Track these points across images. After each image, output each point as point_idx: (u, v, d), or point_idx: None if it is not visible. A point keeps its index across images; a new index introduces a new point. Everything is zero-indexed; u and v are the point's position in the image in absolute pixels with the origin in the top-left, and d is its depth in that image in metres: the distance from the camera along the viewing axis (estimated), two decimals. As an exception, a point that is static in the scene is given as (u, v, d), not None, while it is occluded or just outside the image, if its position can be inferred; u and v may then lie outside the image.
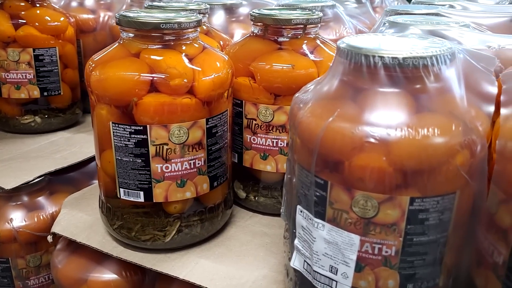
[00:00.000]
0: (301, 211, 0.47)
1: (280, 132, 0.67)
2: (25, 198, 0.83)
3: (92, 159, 0.93)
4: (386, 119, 0.40)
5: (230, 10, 0.94)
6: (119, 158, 0.58)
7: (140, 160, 0.58)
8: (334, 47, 0.70)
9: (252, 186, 0.72)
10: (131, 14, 0.58)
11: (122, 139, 0.57)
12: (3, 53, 0.96)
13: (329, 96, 0.45)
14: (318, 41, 0.69)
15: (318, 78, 0.50)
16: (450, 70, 0.42)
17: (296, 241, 0.49)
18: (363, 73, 0.42)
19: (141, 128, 0.56)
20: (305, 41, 0.68)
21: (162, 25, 0.56)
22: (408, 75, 0.41)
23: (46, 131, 1.03)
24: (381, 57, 0.41)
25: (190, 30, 0.59)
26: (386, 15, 0.80)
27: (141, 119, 0.56)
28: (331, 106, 0.44)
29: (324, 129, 0.42)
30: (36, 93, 0.99)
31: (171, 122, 0.56)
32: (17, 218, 0.80)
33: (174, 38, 0.58)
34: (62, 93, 1.03)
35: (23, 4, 0.98)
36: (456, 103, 0.42)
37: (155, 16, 0.58)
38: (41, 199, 0.85)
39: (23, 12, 0.97)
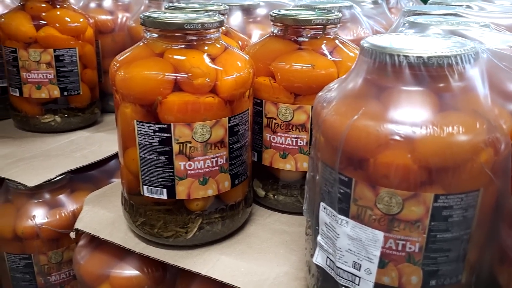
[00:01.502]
0: (324, 208, 0.48)
1: (299, 131, 0.68)
2: (47, 196, 0.84)
3: (111, 157, 0.94)
4: (411, 117, 0.41)
5: (247, 11, 0.95)
6: (143, 156, 0.60)
7: (164, 158, 0.59)
8: (352, 48, 0.70)
9: (271, 185, 0.73)
10: (155, 15, 0.59)
11: (146, 137, 0.58)
12: (24, 54, 0.98)
13: (353, 95, 0.46)
14: (337, 41, 0.69)
15: (342, 77, 0.51)
16: (474, 69, 0.43)
17: (319, 238, 0.50)
18: (387, 72, 0.43)
19: (165, 126, 0.57)
20: (325, 41, 0.68)
21: (186, 26, 0.57)
22: (432, 74, 0.42)
23: (66, 130, 1.05)
24: (406, 56, 0.41)
25: (212, 30, 0.60)
26: (404, 15, 0.81)
27: (165, 118, 0.57)
28: (356, 105, 0.44)
29: (349, 127, 0.43)
30: (56, 92, 1.01)
31: (194, 120, 0.57)
32: (40, 215, 0.82)
33: (197, 38, 0.59)
34: (81, 93, 1.04)
35: (44, 5, 1.00)
36: (480, 102, 0.42)
37: (179, 17, 0.59)
38: (62, 196, 0.86)
39: (44, 13, 0.99)
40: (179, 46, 0.59)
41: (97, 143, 1.00)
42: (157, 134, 0.58)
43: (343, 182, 0.45)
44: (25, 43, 0.98)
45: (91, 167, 0.91)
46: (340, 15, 0.69)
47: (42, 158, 0.91)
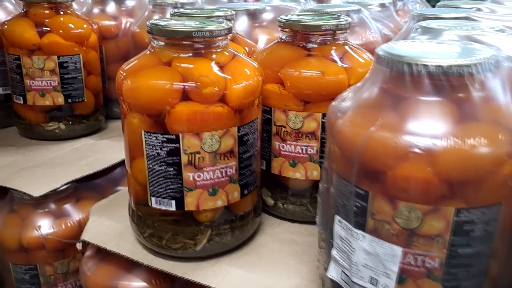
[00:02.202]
0: (339, 222, 0.47)
1: (309, 139, 0.66)
2: (52, 205, 0.83)
3: (116, 165, 0.93)
4: (431, 128, 0.40)
5: (253, 15, 0.93)
6: (151, 166, 0.58)
7: (172, 169, 0.57)
8: (362, 53, 0.69)
9: (280, 193, 0.72)
10: (162, 23, 0.58)
11: (154, 147, 0.57)
12: (28, 61, 0.97)
13: (369, 105, 0.45)
14: (347, 47, 0.68)
15: (356, 86, 0.50)
16: (495, 78, 0.41)
17: (333, 251, 0.49)
18: (405, 81, 0.41)
19: (174, 136, 0.56)
20: (334, 47, 0.67)
21: (194, 33, 0.56)
22: (452, 83, 0.40)
23: (70, 138, 1.04)
24: (425, 65, 0.40)
25: (221, 38, 0.58)
26: (413, 19, 0.79)
27: (174, 128, 0.56)
28: (372, 115, 0.43)
29: (366, 139, 0.41)
30: (60, 100, 1.00)
31: (203, 130, 0.56)
32: (45, 225, 0.81)
33: (205, 46, 0.58)
34: (85, 100, 1.03)
35: (47, 12, 0.99)
36: (502, 112, 0.41)
37: (186, 24, 0.58)
38: (67, 206, 0.85)
39: (47, 20, 0.98)
40: (187, 55, 0.58)
41: (102, 150, 0.99)
42: (165, 144, 0.56)
43: (359, 196, 0.43)
44: (29, 50, 0.96)
45: (96, 175, 0.90)
46: (350, 20, 0.68)
47: (46, 167, 0.90)
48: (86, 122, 1.05)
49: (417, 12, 0.79)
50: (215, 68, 0.57)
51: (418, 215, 0.40)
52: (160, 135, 0.56)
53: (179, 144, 0.56)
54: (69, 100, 1.01)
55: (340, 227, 0.47)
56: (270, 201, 0.73)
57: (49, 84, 0.98)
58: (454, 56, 0.41)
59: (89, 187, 0.90)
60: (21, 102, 1.00)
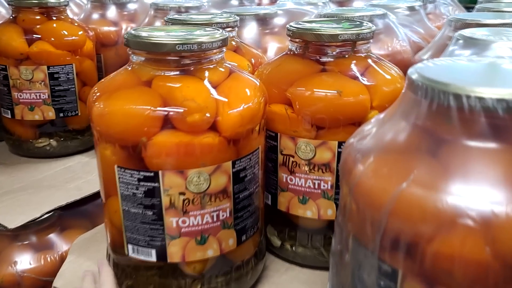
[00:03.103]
0: (357, 300, 0.35)
1: (323, 172, 0.55)
2: (33, 237, 0.74)
3: (108, 189, 0.83)
4: (489, 189, 0.28)
5: (263, 21, 0.82)
6: (126, 208, 0.48)
7: (151, 213, 0.47)
8: (389, 67, 0.57)
9: (288, 233, 0.61)
10: (142, 33, 0.47)
11: (129, 186, 0.47)
12: (15, 72, 0.88)
13: (398, 148, 0.33)
14: (369, 60, 0.56)
15: (380, 117, 0.38)
16: None
17: (349, 336, 0.37)
18: (450, 118, 0.30)
19: (152, 174, 0.45)
20: (354, 61, 0.55)
21: (179, 47, 0.45)
22: (519, 124, 0.28)
23: (63, 155, 0.95)
24: (480, 98, 0.28)
25: (214, 51, 0.48)
26: (450, 25, 0.67)
27: (152, 163, 0.45)
28: (404, 164, 0.31)
29: (395, 198, 0.30)
30: (51, 114, 0.91)
31: (188, 167, 0.45)
32: (22, 261, 0.71)
33: (194, 61, 0.47)
34: (79, 114, 0.94)
35: (38, 17, 0.90)
36: None
37: (172, 35, 0.47)
38: (51, 236, 0.76)
39: (38, 26, 0.89)
40: (173, 73, 0.47)
41: (95, 170, 0.88)
42: (142, 183, 0.46)
43: (385, 273, 0.32)
44: (16, 59, 0.87)
45: (85, 200, 0.80)
46: (374, 27, 0.56)
47: (31, 191, 0.81)
48: (80, 138, 0.96)
49: (453, 17, 0.67)
50: (205, 90, 0.46)
51: (469, 310, 0.28)
52: (136, 172, 0.46)
53: (159, 183, 0.45)
54: (61, 114, 0.92)
55: (358, 307, 0.35)
56: (277, 242, 0.61)
57: (38, 97, 0.89)
58: (521, 85, 0.29)
59: (77, 214, 0.80)
60: (9, 116, 0.91)
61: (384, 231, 0.31)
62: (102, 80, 0.52)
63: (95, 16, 1.08)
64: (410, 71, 0.34)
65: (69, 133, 0.95)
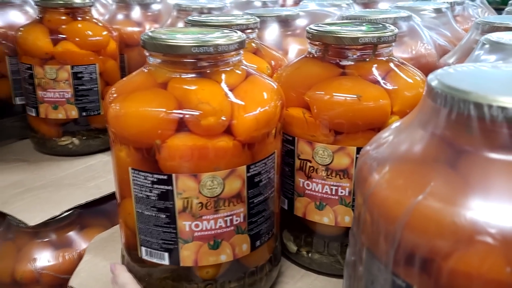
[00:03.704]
0: (370, 314, 0.34)
1: (341, 178, 0.53)
2: (53, 234, 0.75)
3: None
4: (511, 203, 0.26)
5: (285, 22, 0.81)
6: (140, 211, 0.48)
7: (164, 216, 0.46)
8: (412, 72, 0.55)
9: (305, 239, 0.59)
10: (158, 35, 0.47)
11: (143, 189, 0.46)
12: (40, 71, 0.89)
13: (415, 158, 0.32)
14: (391, 64, 0.55)
15: (397, 125, 0.37)
16: None
17: None
18: (471, 128, 0.28)
19: (166, 177, 0.45)
20: (375, 65, 0.54)
21: (194, 49, 0.44)
22: (546, 136, 0.27)
23: (85, 154, 0.96)
24: (503, 108, 0.27)
25: (230, 54, 0.47)
26: (477, 28, 0.64)
27: (166, 166, 0.45)
28: (420, 175, 0.30)
29: (411, 211, 0.28)
30: (74, 113, 0.92)
31: (202, 170, 0.45)
32: (41, 258, 0.72)
33: (210, 64, 0.47)
34: (102, 113, 0.95)
35: (63, 17, 0.91)
36: None
37: (189, 37, 0.47)
38: (70, 234, 0.77)
39: (63, 26, 0.91)
40: (189, 75, 0.47)
41: (116, 170, 0.90)
42: (155, 186, 0.46)
43: (398, 288, 0.30)
44: (41, 59, 0.89)
45: (104, 199, 0.81)
46: (396, 30, 0.54)
47: (52, 189, 0.82)
48: (102, 137, 0.97)
49: (481, 20, 0.64)
50: (220, 93, 0.46)
51: (487, 331, 0.27)
52: (149, 174, 0.45)
53: (172, 187, 0.45)
54: (84, 113, 0.93)
55: (371, 321, 0.34)
56: (293, 247, 0.60)
57: (62, 96, 0.91)
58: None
59: (97, 213, 0.81)
60: (34, 114, 0.93)
61: (398, 244, 0.30)
62: (120, 81, 0.52)
63: (120, 16, 1.09)
64: (429, 77, 0.32)
65: (92, 132, 0.96)
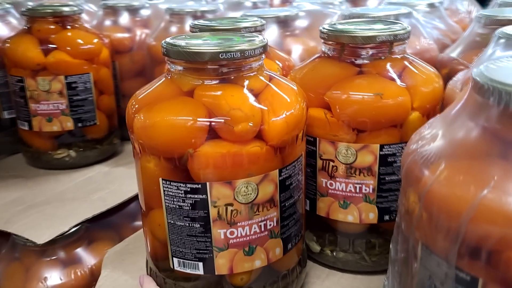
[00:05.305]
0: (429, 310, 0.34)
1: (364, 176, 0.54)
2: (61, 252, 0.73)
3: (133, 199, 0.82)
4: None
5: (284, 23, 0.81)
6: (172, 222, 0.47)
7: (199, 225, 0.46)
8: (424, 68, 0.56)
9: (328, 238, 0.60)
10: (180, 42, 0.46)
11: (175, 199, 0.46)
12: (32, 83, 0.87)
13: (469, 153, 0.32)
14: (406, 61, 0.55)
15: (437, 120, 0.37)
16: None
17: None
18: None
19: (199, 186, 0.44)
20: (390, 63, 0.55)
21: (222, 55, 0.44)
22: None
23: (82, 166, 0.94)
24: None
25: (255, 58, 0.47)
26: (478, 22, 0.66)
27: (199, 175, 0.44)
28: (479, 170, 0.30)
29: (476, 206, 0.29)
30: (69, 124, 0.90)
31: (236, 177, 0.44)
32: (52, 277, 0.70)
33: (234, 70, 0.46)
34: (98, 123, 0.93)
35: (53, 27, 0.89)
36: None
37: (210, 43, 0.46)
38: (79, 250, 0.75)
39: (53, 36, 0.88)
40: (213, 82, 0.46)
41: (117, 180, 0.88)
42: (189, 195, 0.45)
43: (463, 282, 0.31)
44: (33, 70, 0.86)
45: (110, 211, 0.79)
46: (409, 28, 0.55)
47: (56, 204, 0.80)
48: (99, 147, 0.95)
49: (482, 13, 0.66)
50: (250, 98, 0.45)
51: (560, 319, 0.28)
52: (182, 184, 0.45)
53: (207, 195, 0.45)
54: (80, 124, 0.91)
55: (430, 317, 0.34)
56: (316, 247, 0.60)
57: (56, 108, 0.88)
58: None
59: (103, 226, 0.79)
60: (27, 128, 0.90)
61: (463, 239, 0.30)
62: (139, 91, 0.51)
63: (108, 22, 1.06)
64: (474, 73, 0.33)
65: (88, 143, 0.94)
